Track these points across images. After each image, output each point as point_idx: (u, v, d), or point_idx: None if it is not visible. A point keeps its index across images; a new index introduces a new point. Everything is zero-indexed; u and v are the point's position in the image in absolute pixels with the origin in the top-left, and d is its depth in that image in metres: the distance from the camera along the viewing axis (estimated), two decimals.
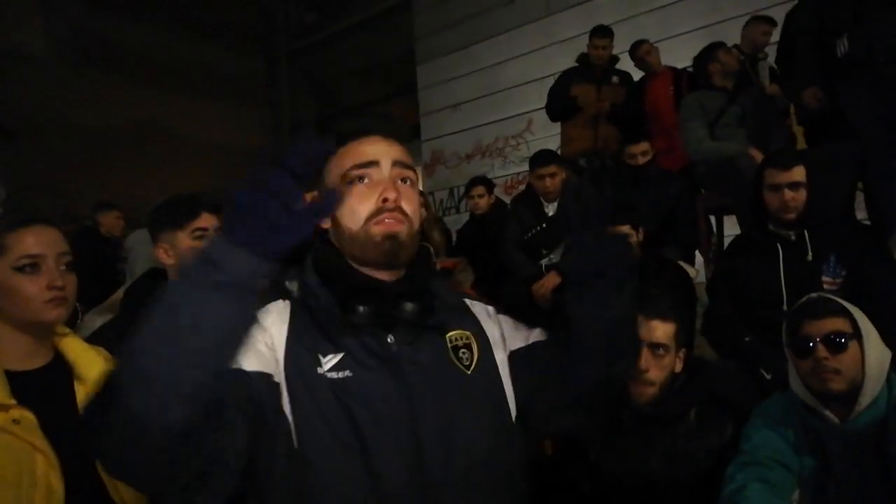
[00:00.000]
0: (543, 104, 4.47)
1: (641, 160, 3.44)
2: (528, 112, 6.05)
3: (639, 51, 4.15)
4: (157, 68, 7.31)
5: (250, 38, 8.77)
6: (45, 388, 1.18)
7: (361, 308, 0.91)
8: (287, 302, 0.95)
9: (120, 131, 6.94)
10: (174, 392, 0.70)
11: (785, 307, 2.08)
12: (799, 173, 2.17)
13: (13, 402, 1.11)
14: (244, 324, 0.74)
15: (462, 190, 5.11)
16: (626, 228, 2.61)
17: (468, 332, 0.99)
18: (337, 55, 8.64)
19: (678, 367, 1.64)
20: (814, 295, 1.58)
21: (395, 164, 0.97)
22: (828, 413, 1.45)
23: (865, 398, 1.41)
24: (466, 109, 6.69)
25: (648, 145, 3.47)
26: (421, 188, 4.70)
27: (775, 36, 3.50)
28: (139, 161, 6.81)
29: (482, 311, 1.06)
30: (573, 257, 0.96)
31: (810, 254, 2.15)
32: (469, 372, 0.96)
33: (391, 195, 0.93)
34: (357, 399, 0.87)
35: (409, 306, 0.93)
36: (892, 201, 2.53)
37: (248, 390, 0.83)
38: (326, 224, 1.00)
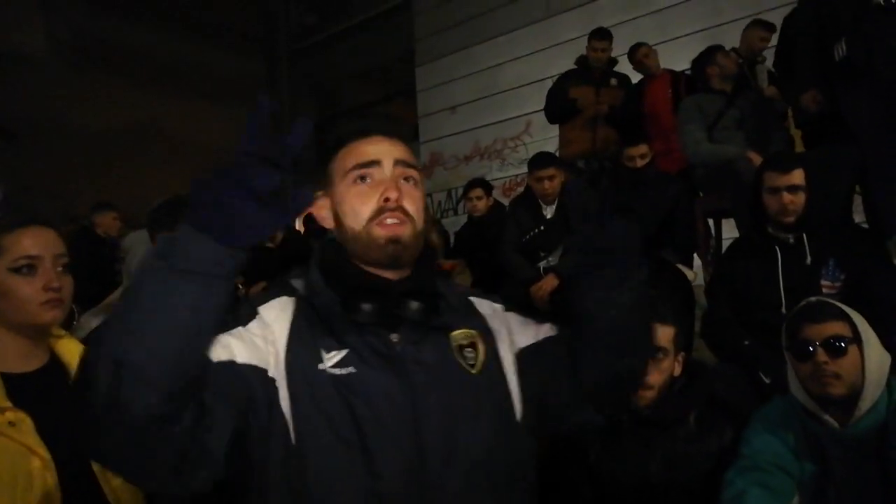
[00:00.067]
0: (542, 106, 4.47)
1: (640, 163, 3.44)
2: (526, 114, 6.05)
3: (637, 53, 4.16)
4: (156, 69, 7.32)
5: (250, 40, 8.78)
6: (40, 390, 1.18)
7: (365, 306, 0.91)
8: (292, 299, 0.95)
9: (119, 132, 6.94)
10: (140, 377, 0.70)
11: (784, 311, 2.07)
12: (798, 176, 2.16)
13: (9, 404, 1.11)
14: (210, 311, 0.74)
15: (460, 192, 5.11)
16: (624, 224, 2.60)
17: (473, 332, 0.98)
18: (337, 57, 8.66)
19: (677, 371, 1.64)
20: (813, 299, 1.57)
21: (398, 163, 0.96)
22: (828, 417, 1.44)
23: (865, 403, 1.41)
24: (465, 111, 6.70)
25: (647, 148, 3.47)
26: None
27: (774, 40, 3.50)
28: (139, 162, 6.81)
29: (489, 310, 1.04)
30: (577, 249, 0.95)
31: (809, 257, 2.15)
32: (474, 371, 0.95)
33: (392, 195, 0.92)
34: (360, 396, 0.87)
35: (413, 305, 0.93)
36: (892, 204, 2.53)
37: (237, 381, 0.83)
38: (330, 224, 1.00)
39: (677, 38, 5.06)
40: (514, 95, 6.24)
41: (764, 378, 2.05)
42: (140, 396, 0.70)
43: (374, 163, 0.95)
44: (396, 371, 0.89)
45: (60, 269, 1.21)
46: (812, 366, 1.45)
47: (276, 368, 0.87)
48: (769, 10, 4.13)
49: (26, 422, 1.11)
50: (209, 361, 0.82)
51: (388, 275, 0.95)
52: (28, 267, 1.17)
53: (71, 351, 1.26)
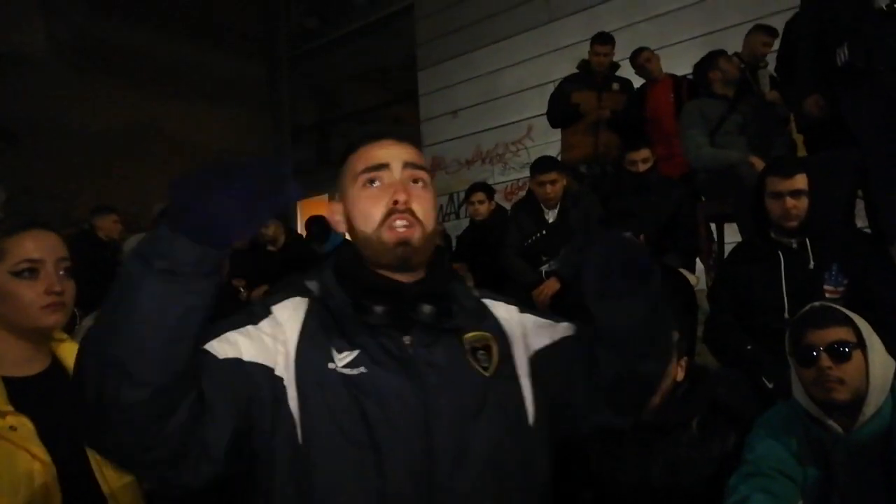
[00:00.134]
0: (543, 110, 4.47)
1: (642, 167, 3.44)
2: (528, 118, 6.06)
3: (639, 58, 4.16)
4: (157, 71, 7.32)
5: (251, 43, 8.78)
6: (42, 394, 1.17)
7: (377, 308, 0.91)
8: (306, 300, 0.96)
9: (120, 133, 6.93)
10: (125, 374, 0.72)
11: (786, 315, 2.07)
12: (801, 181, 2.16)
13: (10, 408, 1.10)
14: (191, 309, 0.74)
15: (462, 196, 5.12)
16: (626, 235, 2.61)
17: (487, 334, 0.98)
18: (338, 60, 8.66)
19: (680, 376, 1.64)
20: (817, 304, 1.57)
21: (406, 165, 0.97)
22: (831, 423, 1.44)
23: (870, 408, 1.40)
24: (466, 115, 6.71)
25: (649, 152, 3.47)
26: None
27: (776, 45, 3.51)
28: (139, 163, 6.81)
29: (504, 312, 1.04)
30: (588, 268, 0.93)
31: (812, 262, 2.14)
32: (487, 374, 0.94)
33: (401, 197, 0.93)
34: (371, 396, 0.87)
35: (426, 308, 0.93)
36: (893, 209, 2.52)
37: (241, 379, 0.84)
38: (343, 228, 1.00)
39: (678, 43, 5.06)
40: (516, 100, 6.24)
41: (766, 383, 2.05)
42: (127, 393, 0.72)
43: (383, 166, 0.96)
44: (408, 373, 0.89)
45: (62, 272, 1.21)
46: (816, 371, 1.44)
47: (286, 368, 0.88)
48: (770, 14, 4.12)
49: (27, 426, 1.10)
50: (215, 358, 0.83)
51: (401, 277, 0.95)
52: (30, 271, 1.17)
53: (73, 355, 1.25)
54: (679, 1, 5.28)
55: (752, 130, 3.34)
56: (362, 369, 0.88)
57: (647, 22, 5.38)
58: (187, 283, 0.73)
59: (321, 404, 0.86)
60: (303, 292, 0.96)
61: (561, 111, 4.21)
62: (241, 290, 3.84)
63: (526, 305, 1.08)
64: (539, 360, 0.99)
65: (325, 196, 8.29)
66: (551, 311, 3.05)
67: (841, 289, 2.10)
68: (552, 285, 3.18)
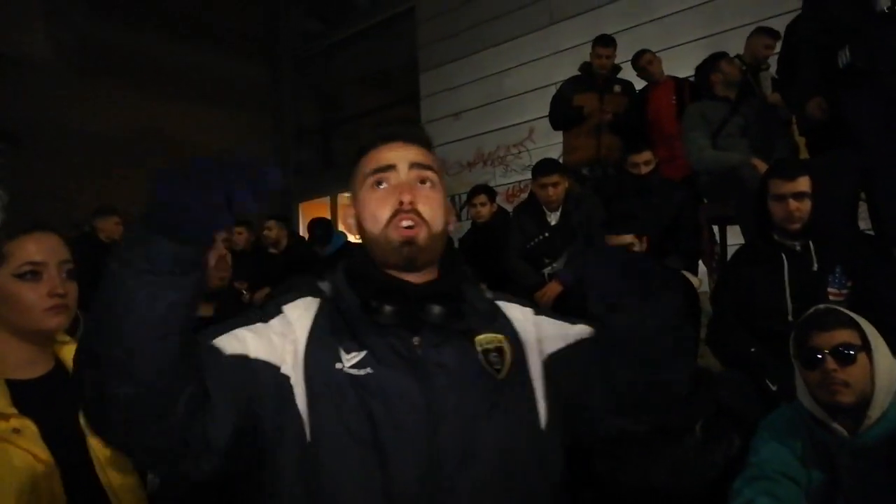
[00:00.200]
0: (545, 113, 4.47)
1: (644, 169, 3.44)
2: (529, 121, 6.05)
3: (641, 60, 4.16)
4: (159, 73, 7.32)
5: (254, 45, 8.79)
6: (46, 396, 1.17)
7: (386, 308, 0.91)
8: (317, 300, 0.96)
9: (121, 135, 6.93)
10: (117, 370, 0.74)
11: (790, 318, 2.06)
12: (804, 183, 2.16)
13: (14, 411, 1.10)
14: (174, 305, 0.75)
15: (464, 198, 5.11)
16: (629, 238, 2.60)
17: (500, 336, 0.97)
18: (340, 63, 8.67)
19: None
20: (822, 306, 1.57)
21: (413, 166, 0.97)
22: (836, 426, 1.43)
23: (875, 411, 1.40)
24: (468, 118, 6.71)
25: (651, 154, 3.47)
26: None
27: (778, 47, 3.51)
28: (140, 166, 6.79)
29: (518, 314, 1.03)
30: (596, 285, 0.94)
31: (816, 264, 2.14)
32: (500, 377, 0.94)
33: (406, 197, 0.93)
34: (377, 396, 0.87)
35: (435, 309, 0.92)
36: None
37: (245, 375, 0.85)
38: (355, 231, 1.01)
39: (679, 45, 5.06)
40: (518, 102, 6.24)
41: (770, 385, 2.04)
42: (122, 390, 0.74)
43: (390, 167, 0.97)
44: (416, 373, 0.89)
45: (65, 275, 1.21)
46: (821, 374, 1.44)
47: (294, 367, 0.88)
48: (772, 17, 4.12)
49: (31, 428, 1.10)
50: (221, 353, 0.84)
51: (411, 278, 0.95)
52: (32, 273, 1.17)
53: None
54: (681, 3, 5.28)
55: (754, 133, 3.34)
56: (369, 370, 0.88)
57: (648, 24, 5.38)
58: (167, 280, 0.74)
59: (329, 404, 0.86)
60: (315, 293, 0.97)
61: (563, 114, 4.21)
62: (244, 292, 3.83)
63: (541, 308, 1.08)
64: (553, 362, 0.98)
65: (327, 198, 8.35)
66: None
67: (845, 291, 2.09)
68: (554, 288, 3.18)
